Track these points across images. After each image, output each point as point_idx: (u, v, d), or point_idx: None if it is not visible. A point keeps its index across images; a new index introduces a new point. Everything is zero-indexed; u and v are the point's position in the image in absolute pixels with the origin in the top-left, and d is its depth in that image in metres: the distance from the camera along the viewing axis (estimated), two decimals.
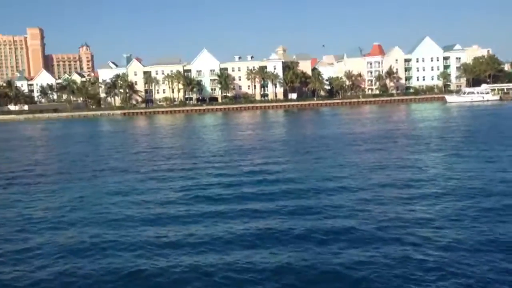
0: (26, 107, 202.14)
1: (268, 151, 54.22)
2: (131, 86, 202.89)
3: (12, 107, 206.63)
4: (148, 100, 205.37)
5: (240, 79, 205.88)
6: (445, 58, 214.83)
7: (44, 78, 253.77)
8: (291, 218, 25.78)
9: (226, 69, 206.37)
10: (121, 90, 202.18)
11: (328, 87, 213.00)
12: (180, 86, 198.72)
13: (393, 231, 23.01)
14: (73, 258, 21.64)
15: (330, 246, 21.25)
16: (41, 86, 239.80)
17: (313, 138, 67.91)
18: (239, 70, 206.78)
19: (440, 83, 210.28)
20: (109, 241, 23.61)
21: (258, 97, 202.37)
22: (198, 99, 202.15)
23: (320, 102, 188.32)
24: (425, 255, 19.72)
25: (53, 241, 24.12)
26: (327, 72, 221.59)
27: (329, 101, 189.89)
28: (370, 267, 18.72)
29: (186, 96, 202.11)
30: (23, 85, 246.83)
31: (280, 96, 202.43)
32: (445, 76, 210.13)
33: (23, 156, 61.77)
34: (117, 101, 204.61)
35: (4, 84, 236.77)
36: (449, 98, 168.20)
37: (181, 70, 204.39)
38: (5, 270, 20.49)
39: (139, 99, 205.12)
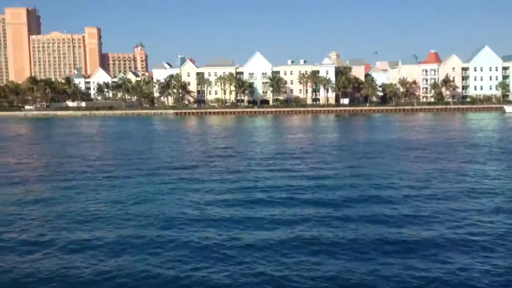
0: (83, 104, 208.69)
1: (321, 155, 53.78)
2: (184, 87, 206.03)
3: (70, 103, 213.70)
4: (200, 100, 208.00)
5: (292, 83, 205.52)
6: (504, 68, 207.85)
7: (100, 76, 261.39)
8: (351, 225, 25.29)
9: (278, 72, 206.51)
10: (174, 90, 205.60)
11: (381, 94, 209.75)
12: (232, 88, 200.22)
13: (459, 240, 22.36)
14: (131, 252, 21.98)
15: (396, 256, 20.68)
16: (98, 84, 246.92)
17: (367, 143, 66.89)
18: (291, 74, 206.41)
19: (498, 93, 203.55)
20: (168, 238, 23.83)
21: (309, 101, 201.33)
22: (249, 101, 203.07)
23: (373, 108, 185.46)
24: (490, 265, 19.13)
25: (113, 235, 24.60)
26: (380, 79, 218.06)
27: (382, 108, 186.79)
28: (437, 276, 18.20)
29: (238, 98, 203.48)
30: (80, 83, 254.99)
31: (332, 101, 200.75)
32: (503, 86, 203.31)
33: (82, 151, 63.70)
34: (170, 100, 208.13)
35: (63, 81, 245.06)
36: (508, 108, 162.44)
37: (233, 72, 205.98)
38: (68, 261, 21.03)
39: (192, 100, 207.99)
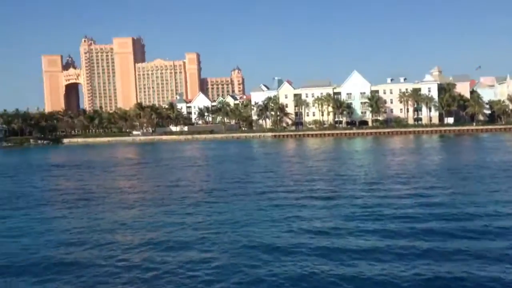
0: (186, 128, 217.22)
1: (429, 180, 51.28)
2: (281, 109, 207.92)
3: (173, 128, 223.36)
4: (298, 122, 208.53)
5: (392, 102, 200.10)
6: None
7: (200, 101, 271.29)
8: (471, 260, 23.51)
9: (377, 91, 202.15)
10: (272, 113, 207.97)
11: (488, 111, 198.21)
12: (330, 109, 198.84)
13: None
14: (237, 277, 22.14)
15: None
16: (199, 108, 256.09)
17: (477, 166, 62.97)
18: (391, 93, 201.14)
19: None
20: (275, 265, 23.60)
21: (410, 121, 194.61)
22: (347, 123, 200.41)
23: (480, 127, 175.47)
24: None
25: (221, 259, 24.97)
26: (486, 95, 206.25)
27: (490, 127, 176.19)
28: None
29: (336, 119, 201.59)
30: (182, 107, 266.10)
31: (435, 120, 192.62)
32: None
33: (188, 175, 66.05)
34: (268, 123, 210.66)
35: (167, 106, 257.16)
36: None
37: (331, 92, 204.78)
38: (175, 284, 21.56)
39: (289, 122, 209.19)
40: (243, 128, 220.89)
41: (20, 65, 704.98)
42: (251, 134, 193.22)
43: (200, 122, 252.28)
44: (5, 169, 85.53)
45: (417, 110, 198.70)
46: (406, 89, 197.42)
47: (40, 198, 49.24)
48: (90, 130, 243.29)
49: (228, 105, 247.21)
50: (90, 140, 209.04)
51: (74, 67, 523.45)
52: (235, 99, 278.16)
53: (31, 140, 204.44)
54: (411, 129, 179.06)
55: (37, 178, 69.06)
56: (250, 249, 26.71)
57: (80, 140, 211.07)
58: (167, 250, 27.52)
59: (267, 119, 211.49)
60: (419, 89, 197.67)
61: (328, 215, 34.47)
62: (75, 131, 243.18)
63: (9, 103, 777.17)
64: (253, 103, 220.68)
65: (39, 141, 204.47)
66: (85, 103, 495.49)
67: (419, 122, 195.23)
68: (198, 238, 29.52)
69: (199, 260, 25.12)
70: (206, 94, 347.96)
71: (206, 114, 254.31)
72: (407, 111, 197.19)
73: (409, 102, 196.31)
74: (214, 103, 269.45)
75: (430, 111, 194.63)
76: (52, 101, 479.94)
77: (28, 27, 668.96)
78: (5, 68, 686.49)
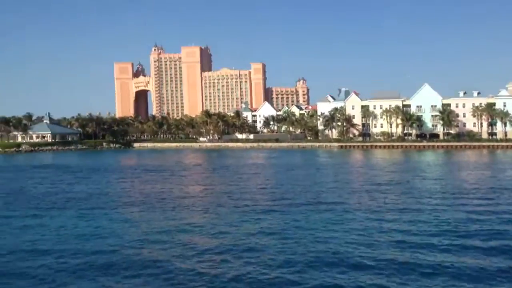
0: (251, 136, 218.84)
1: (509, 196, 49.05)
2: (348, 120, 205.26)
3: (239, 135, 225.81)
4: (365, 133, 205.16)
5: (464, 116, 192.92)
6: None
7: (266, 110, 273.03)
8: None
9: (449, 104, 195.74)
10: (339, 123, 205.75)
11: None
12: (399, 121, 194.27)
13: None
14: None
15: None
16: (265, 117, 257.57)
17: None
18: (463, 107, 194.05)
19: None
20: (352, 279, 23.37)
21: (484, 136, 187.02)
22: (417, 135, 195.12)
23: None
24: None
25: (295, 266, 24.88)
26: None
27: None
28: None
29: (405, 131, 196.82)
30: (247, 116, 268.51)
31: (511, 135, 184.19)
32: None
33: (255, 182, 66.48)
34: (334, 133, 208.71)
35: (233, 114, 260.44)
36: None
37: (399, 104, 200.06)
38: None
39: (356, 133, 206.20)
40: (309, 138, 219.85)
41: (92, 71, 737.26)
42: (317, 144, 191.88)
43: (265, 130, 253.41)
44: (84, 171, 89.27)
45: (491, 124, 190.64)
46: (480, 103, 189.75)
47: (117, 199, 51.15)
48: (159, 135, 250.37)
49: (294, 114, 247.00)
50: (159, 145, 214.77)
51: (144, 75, 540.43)
52: (301, 109, 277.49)
53: (104, 144, 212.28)
54: (485, 143, 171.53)
55: (113, 180, 71.72)
56: (329, 257, 26.73)
57: (149, 144, 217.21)
58: (244, 252, 28.01)
59: (333, 130, 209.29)
60: (494, 104, 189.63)
61: (406, 228, 33.65)
62: (144, 136, 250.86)
63: (80, 107, 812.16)
64: (319, 113, 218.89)
65: (112, 145, 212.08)
66: (154, 109, 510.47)
67: (494, 136, 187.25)
68: (275, 244, 29.75)
69: (277, 265, 25.55)
70: (271, 104, 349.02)
71: (271, 123, 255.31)
72: (481, 125, 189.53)
73: (483, 117, 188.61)
74: (279, 113, 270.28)
75: (505, 126, 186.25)
76: (122, 107, 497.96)
77: (103, 37, 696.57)
78: (78, 73, 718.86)
